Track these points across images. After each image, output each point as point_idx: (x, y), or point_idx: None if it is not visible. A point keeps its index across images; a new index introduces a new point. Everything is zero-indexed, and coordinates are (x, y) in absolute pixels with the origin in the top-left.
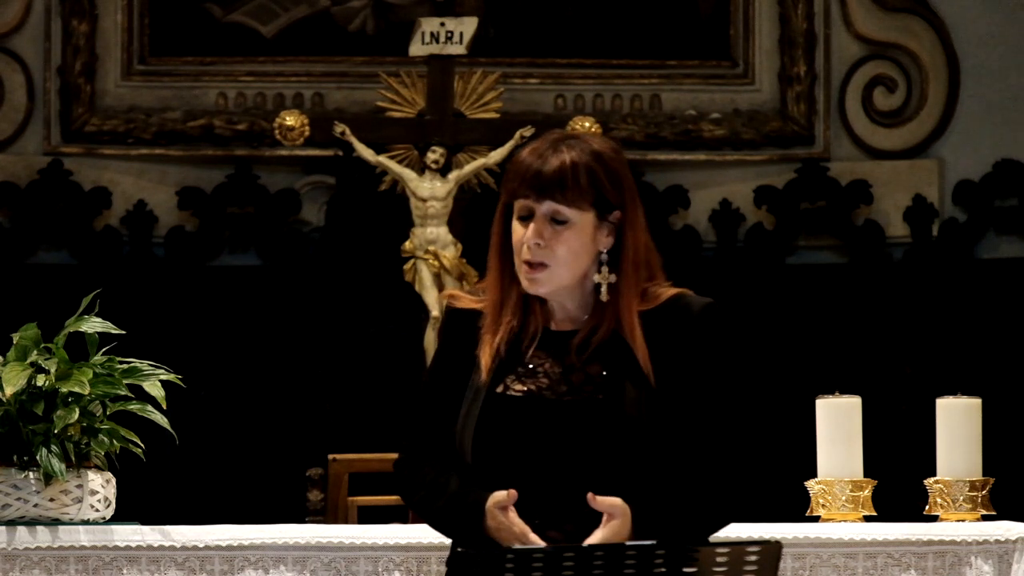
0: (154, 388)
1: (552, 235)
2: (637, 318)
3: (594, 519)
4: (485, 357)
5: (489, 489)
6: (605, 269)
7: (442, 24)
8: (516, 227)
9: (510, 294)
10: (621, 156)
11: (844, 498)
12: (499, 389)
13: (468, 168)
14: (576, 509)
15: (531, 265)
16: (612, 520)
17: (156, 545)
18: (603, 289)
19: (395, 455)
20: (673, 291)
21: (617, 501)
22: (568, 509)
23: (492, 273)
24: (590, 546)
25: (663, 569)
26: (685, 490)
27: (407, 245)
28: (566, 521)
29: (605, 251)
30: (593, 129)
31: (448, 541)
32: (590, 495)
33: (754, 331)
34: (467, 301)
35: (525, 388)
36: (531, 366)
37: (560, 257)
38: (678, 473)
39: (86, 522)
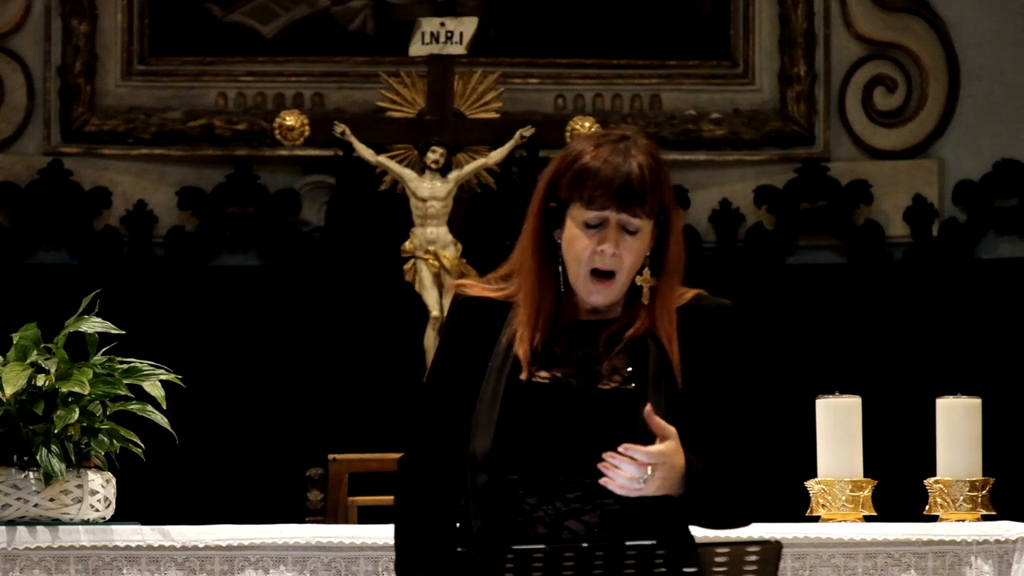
0: (154, 388)
1: (624, 245)
2: (675, 320)
3: (617, 509)
4: (523, 350)
5: (510, 475)
6: (647, 272)
7: (442, 24)
8: (579, 234)
9: (548, 292)
10: (662, 155)
11: (844, 498)
12: (523, 376)
13: (468, 168)
14: (599, 499)
15: (601, 274)
16: (668, 440)
17: (156, 545)
18: (645, 291)
19: (396, 455)
20: (692, 292)
21: (672, 429)
22: (592, 498)
23: (530, 271)
24: (590, 546)
25: (663, 569)
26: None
27: (407, 245)
28: (587, 511)
29: (648, 253)
30: (593, 129)
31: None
32: (648, 410)
33: (764, 354)
34: (480, 289)
35: (550, 375)
36: (556, 354)
37: (627, 266)
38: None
39: (86, 522)
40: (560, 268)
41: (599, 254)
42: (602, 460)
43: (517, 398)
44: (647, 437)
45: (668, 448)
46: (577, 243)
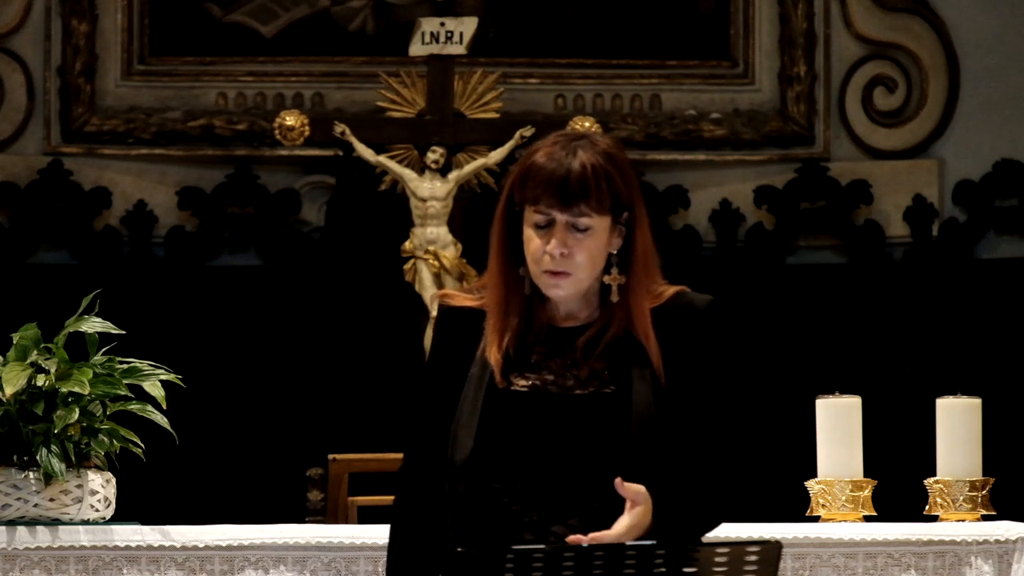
0: (154, 388)
1: (574, 243)
2: (650, 318)
3: (600, 513)
4: (494, 356)
5: (492, 483)
6: (615, 270)
7: (442, 24)
8: (531, 235)
9: (514, 295)
10: (625, 153)
11: (844, 498)
12: (502, 385)
13: (468, 168)
14: (582, 503)
15: (554, 274)
16: (636, 507)
17: (156, 545)
18: (614, 289)
19: (396, 455)
20: (674, 289)
21: (641, 488)
22: (574, 503)
23: (495, 275)
24: (590, 546)
25: (663, 569)
26: (695, 483)
27: (407, 245)
28: (571, 515)
29: (615, 251)
30: (593, 129)
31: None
32: (618, 480)
33: (754, 331)
34: (462, 299)
35: (529, 383)
36: (534, 361)
37: (581, 264)
38: (685, 466)
39: (86, 522)
40: (524, 271)
41: (548, 255)
42: (582, 465)
43: (496, 407)
44: (629, 440)
45: (635, 518)
46: (530, 244)
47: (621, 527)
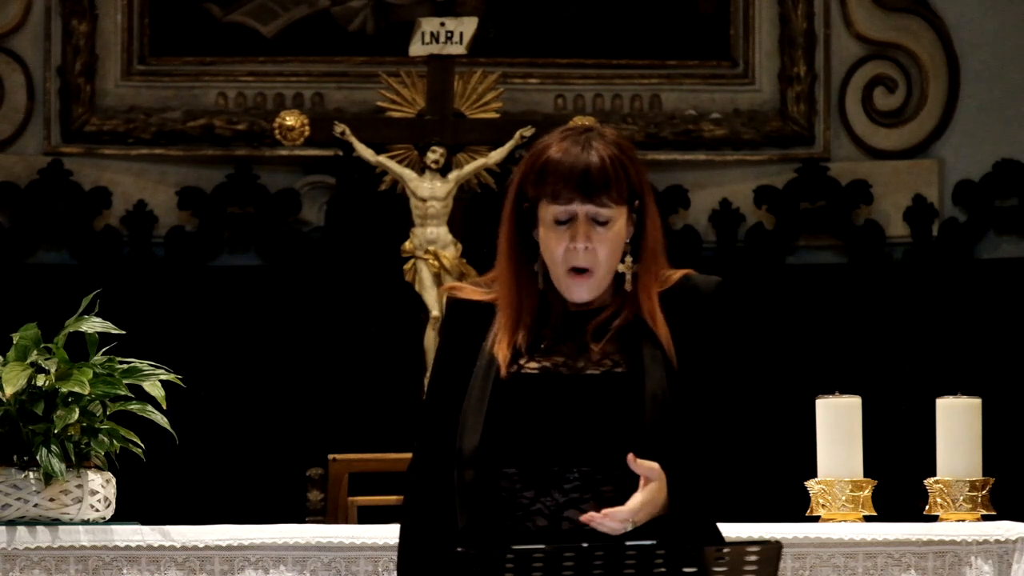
0: (154, 388)
1: (596, 237)
2: (658, 302)
3: (615, 497)
4: (503, 352)
5: (506, 468)
6: (629, 259)
7: (442, 24)
8: (550, 235)
9: (528, 294)
10: (631, 143)
11: (844, 498)
12: (512, 369)
13: (468, 168)
14: (596, 486)
15: (578, 271)
16: (650, 484)
17: (156, 545)
18: (627, 278)
19: (395, 455)
20: (680, 272)
21: (655, 465)
22: (588, 486)
23: (507, 274)
24: (590, 546)
25: (663, 569)
26: (705, 463)
27: (407, 245)
28: (585, 499)
29: (628, 240)
30: None
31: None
32: (630, 456)
33: (756, 325)
34: (470, 292)
35: (540, 366)
36: (543, 346)
37: (603, 259)
38: (697, 447)
39: (86, 522)
40: (538, 267)
41: (573, 251)
42: (596, 446)
43: (506, 392)
44: (643, 418)
45: (649, 494)
46: (550, 243)
47: (635, 503)
